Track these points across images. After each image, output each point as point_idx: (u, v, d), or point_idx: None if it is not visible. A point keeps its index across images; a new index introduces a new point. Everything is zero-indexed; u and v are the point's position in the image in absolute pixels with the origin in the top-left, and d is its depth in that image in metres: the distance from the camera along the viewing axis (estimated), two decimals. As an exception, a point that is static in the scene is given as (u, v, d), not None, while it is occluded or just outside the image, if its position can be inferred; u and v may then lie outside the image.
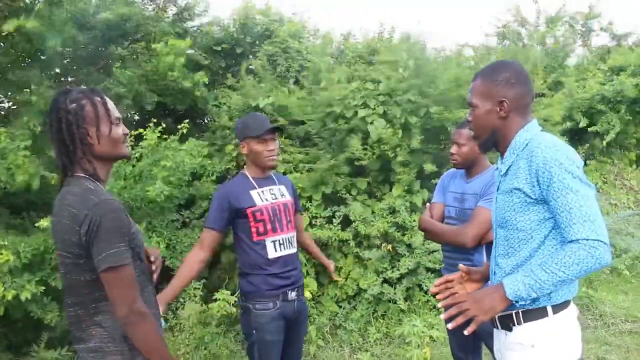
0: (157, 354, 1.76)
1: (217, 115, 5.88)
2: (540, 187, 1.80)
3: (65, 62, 5.19)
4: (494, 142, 2.00)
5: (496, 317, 2.00)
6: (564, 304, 1.89)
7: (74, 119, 1.75)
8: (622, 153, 8.73)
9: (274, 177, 3.04)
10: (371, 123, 5.33)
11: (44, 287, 3.58)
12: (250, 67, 6.51)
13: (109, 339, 1.75)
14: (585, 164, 7.76)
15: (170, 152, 4.65)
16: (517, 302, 1.81)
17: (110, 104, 1.86)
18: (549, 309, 1.86)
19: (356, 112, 5.39)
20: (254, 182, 2.92)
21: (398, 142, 5.23)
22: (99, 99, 1.81)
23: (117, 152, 1.86)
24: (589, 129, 7.68)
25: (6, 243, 3.55)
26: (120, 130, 1.86)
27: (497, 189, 2.03)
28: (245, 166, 3.03)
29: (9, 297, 3.31)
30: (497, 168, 2.07)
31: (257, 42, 6.67)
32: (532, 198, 1.83)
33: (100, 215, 1.66)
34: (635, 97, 7.53)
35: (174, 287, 2.75)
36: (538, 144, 1.83)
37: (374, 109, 5.41)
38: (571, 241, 1.71)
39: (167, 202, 4.71)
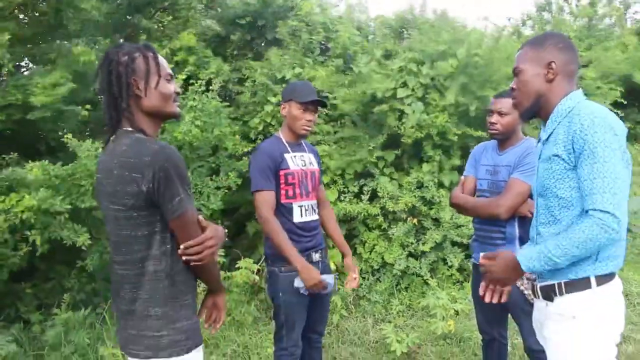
0: (213, 277, 1.95)
1: (240, 91, 5.84)
2: (575, 153, 1.78)
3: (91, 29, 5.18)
4: (537, 109, 1.98)
5: (537, 286, 2.00)
6: (609, 277, 1.84)
7: (124, 71, 1.72)
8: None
9: (304, 144, 3.07)
10: (409, 105, 5.26)
11: (69, 206, 3.62)
12: (274, 37, 6.45)
13: (152, 301, 1.72)
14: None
15: (197, 96, 4.72)
16: (531, 272, 1.86)
17: (163, 60, 1.82)
18: (593, 280, 1.82)
19: (395, 92, 5.30)
20: (287, 146, 2.95)
21: (443, 127, 5.16)
22: (151, 53, 1.78)
23: (166, 108, 1.81)
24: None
25: (37, 163, 3.65)
26: (172, 87, 1.82)
27: (539, 158, 2.00)
28: (280, 129, 3.06)
29: (30, 203, 3.35)
30: (539, 139, 2.03)
31: (278, 14, 6.59)
32: (570, 165, 1.81)
33: (165, 161, 1.63)
34: None
35: (292, 249, 2.75)
36: (578, 111, 1.81)
37: (414, 90, 5.32)
38: (587, 211, 1.72)
39: (192, 150, 4.77)
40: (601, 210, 1.67)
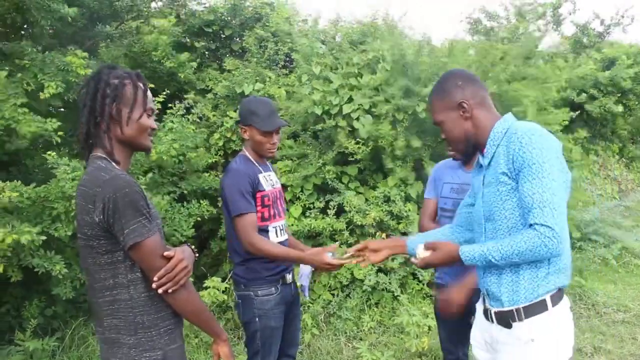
0: (202, 317, 1.82)
1: (202, 102, 5.67)
2: (515, 171, 1.83)
3: (49, 38, 4.95)
4: (473, 146, 2.02)
5: (492, 311, 2.01)
6: (560, 293, 1.91)
7: (111, 94, 1.72)
8: (607, 145, 8.84)
9: (267, 163, 2.98)
10: (357, 119, 5.24)
11: (45, 237, 3.26)
12: (240, 49, 6.35)
13: (124, 329, 1.70)
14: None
15: (175, 119, 4.61)
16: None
17: (150, 95, 1.84)
18: (548, 301, 1.87)
19: (341, 109, 5.27)
20: (259, 166, 2.83)
21: (394, 137, 5.12)
22: (141, 85, 1.79)
23: (140, 141, 1.81)
24: (586, 107, 7.88)
25: (7, 183, 3.36)
26: (150, 122, 1.83)
27: (482, 184, 2.02)
28: (244, 147, 2.90)
29: (9, 240, 3.03)
30: (480, 165, 2.06)
31: (246, 25, 6.49)
32: (514, 184, 1.85)
33: (114, 192, 1.60)
34: (630, 88, 7.71)
35: (293, 251, 2.78)
36: (515, 130, 1.86)
37: (360, 104, 5.29)
38: (530, 225, 1.75)
39: (161, 175, 4.61)
40: (542, 225, 1.72)
